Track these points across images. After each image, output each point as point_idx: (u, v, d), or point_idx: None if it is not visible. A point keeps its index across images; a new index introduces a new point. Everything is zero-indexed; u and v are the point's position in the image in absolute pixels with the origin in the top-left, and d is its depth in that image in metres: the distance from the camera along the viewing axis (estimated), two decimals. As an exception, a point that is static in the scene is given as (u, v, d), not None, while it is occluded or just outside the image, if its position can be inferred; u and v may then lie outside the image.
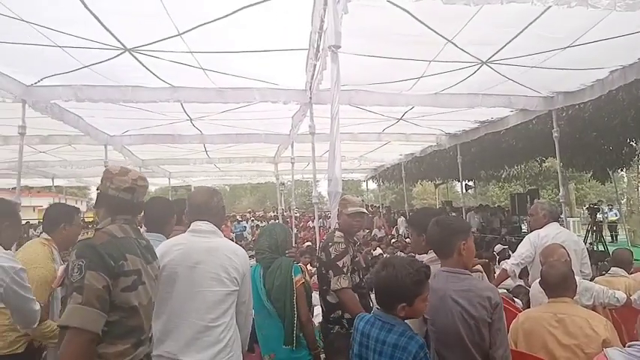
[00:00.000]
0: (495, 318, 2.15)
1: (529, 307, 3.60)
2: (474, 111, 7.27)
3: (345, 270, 3.13)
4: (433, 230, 2.35)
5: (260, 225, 19.68)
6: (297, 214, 20.44)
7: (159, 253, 2.42)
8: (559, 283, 2.81)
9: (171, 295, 2.37)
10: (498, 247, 8.34)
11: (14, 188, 14.46)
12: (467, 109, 6.96)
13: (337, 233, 3.29)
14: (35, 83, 5.41)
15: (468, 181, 19.15)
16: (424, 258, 2.62)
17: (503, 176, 18.99)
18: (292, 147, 9.26)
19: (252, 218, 20.74)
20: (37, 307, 2.47)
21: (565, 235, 4.23)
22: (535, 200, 7.41)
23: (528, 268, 4.37)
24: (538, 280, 3.00)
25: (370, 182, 21.41)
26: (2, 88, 5.07)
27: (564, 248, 3.43)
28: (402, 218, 15.96)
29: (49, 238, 3.23)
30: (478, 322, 2.14)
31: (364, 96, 6.17)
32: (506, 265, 3.80)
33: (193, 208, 2.57)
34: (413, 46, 4.68)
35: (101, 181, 2.15)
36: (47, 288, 3.04)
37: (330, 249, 3.19)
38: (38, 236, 3.34)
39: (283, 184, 17.00)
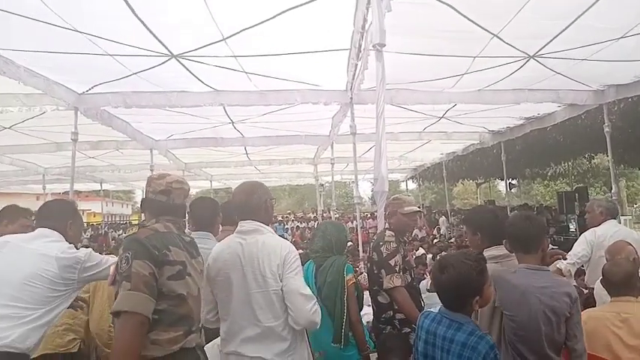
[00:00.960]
0: (574, 311, 2.19)
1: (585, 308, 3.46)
2: (519, 107, 7.07)
3: (397, 269, 3.11)
4: (524, 225, 2.33)
5: (300, 226, 19.84)
6: (337, 215, 20.44)
7: (211, 257, 2.47)
8: (622, 282, 2.70)
9: (230, 299, 2.39)
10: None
11: (65, 192, 15.15)
12: (512, 105, 6.77)
13: (388, 232, 3.27)
14: (87, 91, 5.64)
15: (512, 179, 18.66)
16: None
17: (549, 174, 18.40)
18: (332, 148, 9.27)
19: (293, 219, 20.90)
20: (109, 266, 2.59)
21: (624, 233, 4.04)
22: (591, 197, 7.14)
23: (584, 268, 4.21)
24: (601, 278, 2.89)
25: (410, 182, 21.14)
26: (57, 97, 5.30)
27: (632, 245, 3.28)
28: (444, 218, 15.72)
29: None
30: (559, 318, 2.16)
31: (406, 95, 6.11)
32: (561, 264, 3.66)
33: (235, 208, 2.56)
34: (457, 43, 4.60)
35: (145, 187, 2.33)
36: None
37: (382, 248, 3.17)
38: (88, 239, 3.50)
39: (322, 185, 17.03)
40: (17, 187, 17.22)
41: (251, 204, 2.51)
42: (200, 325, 2.24)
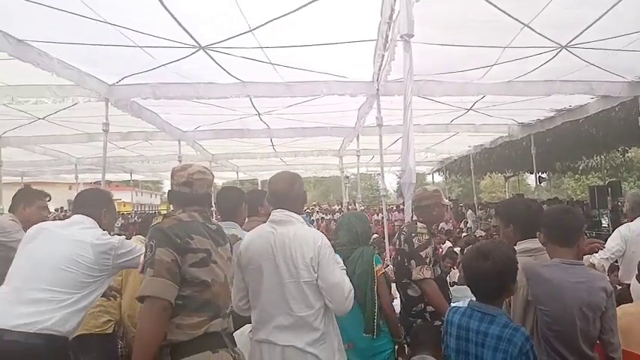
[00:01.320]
0: (609, 305, 2.16)
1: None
2: (550, 99, 6.90)
3: (427, 261, 3.10)
4: (564, 217, 2.31)
5: (325, 218, 19.86)
6: (362, 207, 20.40)
7: (242, 245, 2.50)
8: None
9: (261, 288, 2.42)
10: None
11: (97, 182, 15.51)
12: (543, 97, 6.61)
13: (420, 224, 3.27)
14: (117, 82, 5.74)
15: (542, 173, 18.27)
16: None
17: (580, 168, 17.95)
18: (358, 140, 9.23)
19: (318, 211, 20.95)
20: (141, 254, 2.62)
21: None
22: (629, 191, 6.94)
23: (618, 263, 4.11)
24: (637, 274, 2.83)
25: (436, 175, 20.90)
26: (88, 88, 5.42)
27: None
28: (471, 211, 15.52)
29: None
30: (595, 313, 2.13)
31: (433, 86, 6.02)
32: (594, 259, 3.58)
33: (274, 196, 2.56)
34: (486, 33, 4.51)
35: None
36: None
37: (414, 239, 3.17)
38: (119, 227, 3.60)
39: (347, 177, 16.99)
40: (50, 177, 17.72)
41: (291, 194, 2.55)
42: (229, 311, 2.28)
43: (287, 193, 2.53)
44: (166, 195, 2.41)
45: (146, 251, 2.09)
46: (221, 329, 2.18)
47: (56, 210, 22.81)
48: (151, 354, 1.96)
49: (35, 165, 12.68)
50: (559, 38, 4.74)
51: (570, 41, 4.79)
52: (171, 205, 2.40)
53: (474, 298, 2.18)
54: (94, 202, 2.75)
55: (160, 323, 1.98)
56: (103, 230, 2.68)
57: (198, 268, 2.11)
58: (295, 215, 2.51)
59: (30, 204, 3.67)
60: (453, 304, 2.29)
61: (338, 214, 19.49)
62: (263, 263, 2.42)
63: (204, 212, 2.33)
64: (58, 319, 2.30)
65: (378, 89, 5.87)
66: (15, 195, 3.76)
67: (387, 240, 7.19)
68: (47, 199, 4.02)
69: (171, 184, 2.33)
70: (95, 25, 4.02)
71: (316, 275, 2.36)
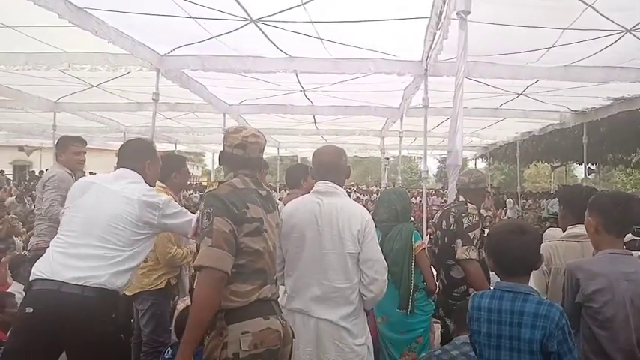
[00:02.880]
0: None
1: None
2: (608, 86, 6.57)
3: (475, 242, 3.08)
4: (628, 205, 2.24)
5: (362, 198, 19.87)
6: (401, 190, 20.24)
7: (285, 213, 2.53)
8: None
9: (300, 256, 2.47)
10: (628, 237, 7.59)
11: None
12: (600, 83, 6.30)
13: (470, 205, 3.25)
14: (168, 53, 5.85)
15: (591, 164, 17.57)
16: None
17: (633, 161, 17.14)
18: (401, 121, 9.11)
19: (355, 191, 20.95)
20: (187, 219, 2.68)
21: None
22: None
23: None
24: None
25: (479, 161, 20.44)
26: (141, 57, 5.54)
27: None
28: (510, 200, 15.17)
29: (165, 185, 3.61)
30: None
31: (484, 68, 5.83)
32: (645, 254, 3.46)
33: (321, 167, 2.59)
34: (545, 12, 4.33)
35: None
36: None
37: (464, 219, 3.16)
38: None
39: (388, 159, 16.86)
40: (98, 143, 18.36)
41: (339, 167, 2.60)
42: (275, 278, 2.32)
43: (335, 165, 2.58)
44: (218, 156, 2.40)
45: (202, 218, 2.11)
46: (270, 295, 2.22)
47: (104, 176, 23.66)
48: (206, 321, 2.03)
49: (86, 131, 13.16)
50: (624, 21, 4.49)
51: (636, 25, 4.53)
52: (223, 168, 2.41)
53: None
54: (137, 154, 2.76)
55: (216, 293, 2.02)
56: (147, 184, 2.71)
57: (253, 237, 2.14)
58: (340, 188, 2.55)
59: (64, 150, 3.95)
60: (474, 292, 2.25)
61: (375, 195, 19.46)
62: (306, 232, 2.46)
63: (255, 177, 2.33)
64: (110, 276, 2.39)
65: (426, 69, 5.74)
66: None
67: (424, 223, 7.13)
68: (84, 144, 4.35)
69: (224, 146, 2.32)
70: (151, -6, 4.09)
71: (360, 248, 2.38)
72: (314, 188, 2.60)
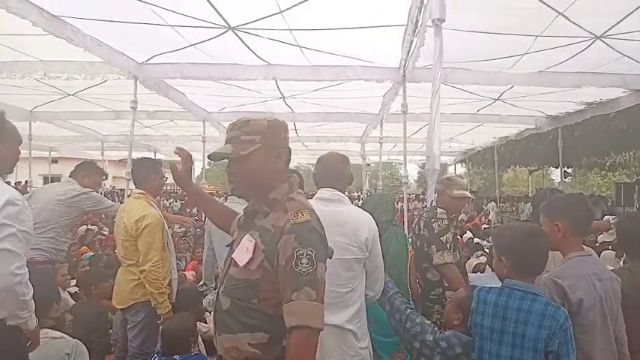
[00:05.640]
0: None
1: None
2: (580, 91, 6.73)
3: (447, 246, 3.14)
4: (585, 207, 2.35)
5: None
6: (382, 196, 20.32)
7: None
8: None
9: None
10: (601, 238, 7.78)
11: (122, 160, 15.65)
12: (573, 88, 6.46)
13: (439, 210, 3.31)
14: (146, 61, 5.81)
15: (567, 168, 17.92)
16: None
17: (607, 164, 17.54)
18: (381, 126, 9.19)
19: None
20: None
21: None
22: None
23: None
24: None
25: (458, 166, 20.69)
26: (118, 66, 5.49)
27: None
28: (493, 203, 15.38)
29: (143, 191, 3.69)
30: (617, 304, 2.19)
31: (461, 74, 5.93)
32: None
33: (327, 174, 2.60)
34: (519, 20, 4.42)
35: (273, 135, 1.88)
36: (159, 230, 3.52)
37: (434, 224, 3.22)
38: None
39: (369, 164, 16.95)
40: (76, 153, 18.06)
41: (344, 174, 2.63)
42: None
43: (340, 172, 2.61)
44: (288, 155, 1.95)
45: (300, 259, 1.66)
46: None
47: (81, 186, 23.32)
48: None
49: (63, 140, 12.96)
50: (594, 28, 4.62)
51: (605, 31, 4.66)
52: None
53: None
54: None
55: (314, 355, 1.68)
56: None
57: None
58: (344, 195, 2.59)
59: (90, 175, 4.30)
60: (482, 286, 2.30)
61: (357, 201, 19.51)
62: None
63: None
64: None
65: (404, 76, 5.81)
66: (81, 164, 4.46)
67: (406, 228, 7.18)
68: (104, 177, 4.87)
69: (287, 140, 1.92)
70: (128, 2, 4.07)
71: (367, 254, 2.46)
72: (317, 195, 2.59)
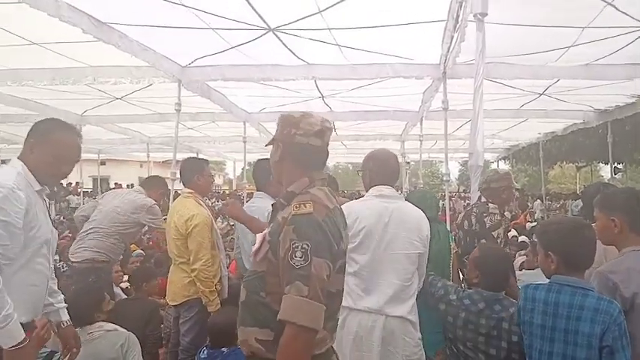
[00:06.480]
0: None
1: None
2: (630, 84, 6.45)
3: (498, 241, 3.11)
4: None
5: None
6: (422, 194, 20.06)
7: (351, 215, 2.44)
8: None
9: (369, 257, 2.53)
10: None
11: (166, 161, 16.13)
12: (623, 81, 6.20)
13: (491, 205, 3.28)
14: (189, 64, 5.97)
15: (618, 164, 17.19)
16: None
17: (661, 159, 16.72)
18: (421, 124, 9.09)
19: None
20: None
21: None
22: None
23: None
24: None
25: (501, 163, 20.18)
26: (163, 69, 5.67)
27: None
28: (539, 201, 14.94)
29: (191, 190, 3.80)
30: None
31: (504, 69, 5.79)
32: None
33: (385, 171, 2.67)
34: (564, 11, 4.29)
35: (279, 130, 1.88)
36: (207, 229, 3.63)
37: (486, 219, 3.21)
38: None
39: (409, 163, 16.78)
40: (123, 155, 18.73)
41: (398, 171, 2.75)
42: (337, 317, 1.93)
43: (396, 170, 2.71)
44: (275, 150, 1.88)
45: (295, 252, 1.59)
46: (332, 342, 1.85)
47: (128, 186, 24.17)
48: None
49: (111, 143, 13.46)
50: (644, 17, 4.42)
51: (657, 20, 4.46)
52: (277, 168, 1.91)
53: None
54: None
55: (309, 355, 1.61)
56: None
57: (340, 275, 1.77)
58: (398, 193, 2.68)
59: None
60: (530, 283, 2.28)
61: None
62: (375, 234, 2.52)
63: (327, 183, 1.88)
64: None
65: (444, 72, 5.73)
66: (184, 167, 4.02)
67: (448, 226, 7.07)
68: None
69: (293, 135, 1.81)
70: (172, 7, 4.19)
71: (426, 250, 2.59)
72: (377, 192, 2.63)
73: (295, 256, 1.59)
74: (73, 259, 4.44)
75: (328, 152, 1.88)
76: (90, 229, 4.46)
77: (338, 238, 1.68)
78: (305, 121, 1.82)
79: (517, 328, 2.34)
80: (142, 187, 4.90)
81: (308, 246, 1.59)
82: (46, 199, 2.33)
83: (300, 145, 1.80)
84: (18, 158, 2.22)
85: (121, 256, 5.05)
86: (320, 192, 1.75)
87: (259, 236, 1.78)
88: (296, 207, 1.67)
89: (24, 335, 1.97)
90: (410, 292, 2.53)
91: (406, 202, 2.67)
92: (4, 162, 2.77)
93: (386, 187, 2.61)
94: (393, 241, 2.49)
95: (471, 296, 2.51)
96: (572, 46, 5.13)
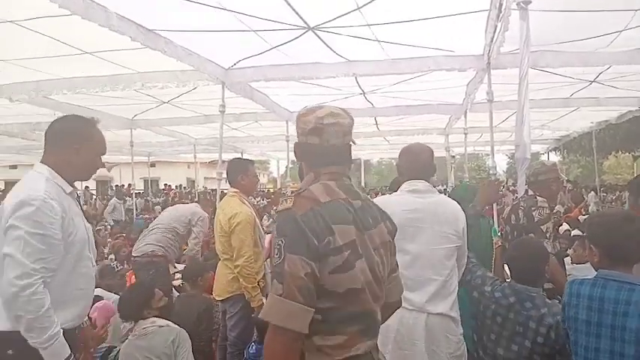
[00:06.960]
0: None
1: None
2: (690, 67, 6.10)
3: (547, 235, 3.04)
4: None
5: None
6: (468, 189, 19.63)
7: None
8: None
9: (407, 255, 2.51)
10: None
11: (212, 161, 16.51)
12: (681, 65, 5.86)
13: (539, 198, 3.21)
14: (232, 66, 6.10)
15: (679, 152, 16.24)
16: None
17: None
18: (465, 117, 8.91)
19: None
20: None
21: None
22: None
23: None
24: None
25: (552, 154, 19.47)
26: (207, 72, 5.82)
27: None
28: (593, 194, 14.33)
29: (236, 189, 3.97)
30: None
31: (551, 57, 5.58)
32: None
33: (418, 165, 2.66)
34: (615, -5, 4.10)
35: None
36: (250, 227, 3.75)
37: (534, 213, 3.13)
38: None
39: (453, 157, 16.46)
40: (171, 157, 19.32)
41: (432, 165, 2.70)
42: (379, 318, 1.75)
43: (430, 164, 2.68)
44: (294, 150, 1.87)
45: (274, 251, 1.58)
46: (372, 348, 1.69)
47: (176, 187, 24.93)
48: None
49: (159, 145, 13.94)
50: None
51: None
52: (300, 167, 1.94)
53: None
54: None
55: (291, 356, 1.53)
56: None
57: (342, 274, 1.58)
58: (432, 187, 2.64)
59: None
60: (574, 278, 2.22)
61: (442, 194, 18.96)
62: (412, 230, 2.50)
63: (344, 177, 1.75)
64: None
65: (488, 62, 5.59)
66: (229, 167, 4.17)
67: (495, 220, 6.91)
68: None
69: (298, 135, 1.80)
70: (215, 12, 4.30)
71: (462, 243, 2.57)
72: (408, 187, 2.62)
73: (275, 254, 1.57)
74: (134, 254, 5.05)
75: (337, 147, 1.74)
76: (153, 226, 5.22)
77: (323, 232, 1.56)
78: (301, 120, 1.78)
79: (545, 329, 2.34)
80: (198, 203, 5.77)
81: (282, 242, 1.55)
82: (77, 195, 2.31)
83: (300, 144, 1.81)
84: (42, 162, 2.17)
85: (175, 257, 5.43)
86: (320, 186, 1.68)
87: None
88: (280, 204, 1.68)
89: (69, 352, 1.99)
90: (450, 288, 2.52)
91: (441, 195, 2.66)
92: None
93: (420, 181, 2.59)
94: (432, 237, 2.48)
95: (504, 290, 2.57)
96: (623, 30, 4.90)
